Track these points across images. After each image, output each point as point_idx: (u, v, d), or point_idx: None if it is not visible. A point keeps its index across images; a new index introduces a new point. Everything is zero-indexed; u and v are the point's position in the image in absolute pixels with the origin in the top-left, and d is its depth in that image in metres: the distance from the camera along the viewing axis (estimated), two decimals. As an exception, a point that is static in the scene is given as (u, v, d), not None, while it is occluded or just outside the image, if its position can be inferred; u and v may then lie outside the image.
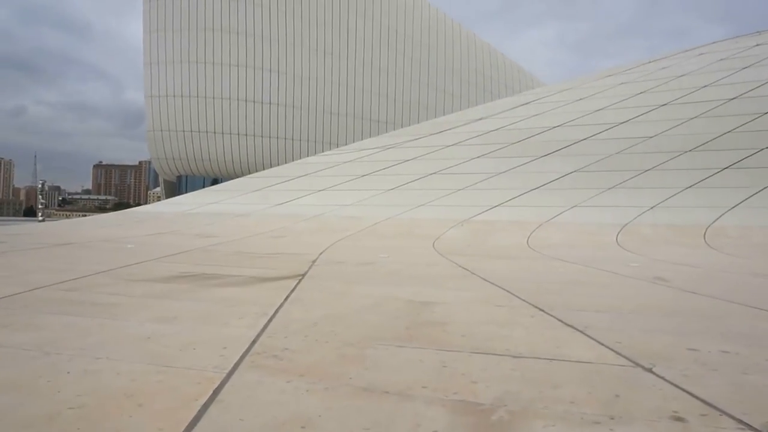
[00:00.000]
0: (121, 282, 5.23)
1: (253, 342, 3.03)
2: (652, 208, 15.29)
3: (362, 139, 29.31)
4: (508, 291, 5.36)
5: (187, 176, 40.52)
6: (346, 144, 29.14)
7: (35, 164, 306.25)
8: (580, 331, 3.49)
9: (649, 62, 23.30)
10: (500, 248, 11.64)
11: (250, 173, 25.96)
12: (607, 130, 18.47)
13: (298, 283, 5.52)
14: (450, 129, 21.23)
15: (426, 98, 47.29)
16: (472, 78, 50.90)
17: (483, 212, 16.22)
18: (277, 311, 3.97)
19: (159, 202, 23.60)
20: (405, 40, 45.91)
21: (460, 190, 17.75)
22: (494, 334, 3.39)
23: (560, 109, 20.57)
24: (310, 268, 7.02)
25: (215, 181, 35.25)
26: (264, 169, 28.07)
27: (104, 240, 10.78)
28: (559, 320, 3.87)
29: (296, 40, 40.58)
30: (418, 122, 31.67)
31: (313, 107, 41.61)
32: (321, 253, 9.28)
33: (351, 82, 43.26)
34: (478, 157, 19.13)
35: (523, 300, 4.80)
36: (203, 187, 28.66)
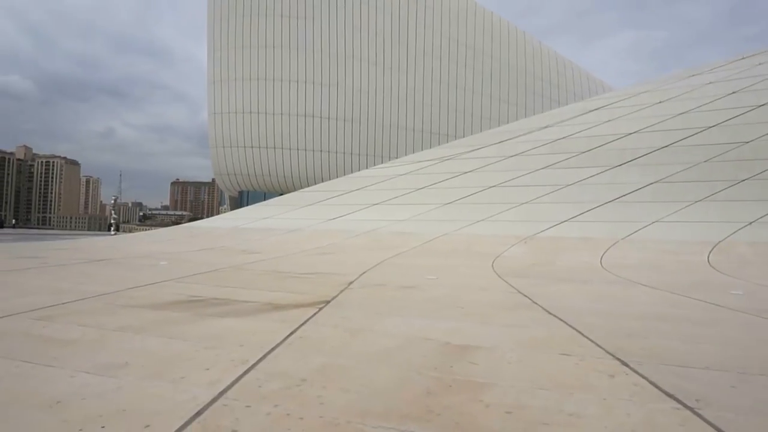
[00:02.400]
0: (109, 309, 4.51)
1: (196, 415, 2.11)
2: (750, 223, 13.22)
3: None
4: (576, 329, 4.16)
5: (248, 191, 41.15)
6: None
7: (120, 182, 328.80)
8: (693, 410, 2.30)
9: (742, 58, 20.81)
10: (568, 269, 10.22)
11: (309, 187, 25.65)
12: (692, 135, 16.44)
13: (315, 314, 4.59)
14: (512, 138, 19.84)
15: (488, 109, 45.73)
16: (537, 86, 48.77)
17: (549, 228, 14.73)
18: (263, 357, 3.04)
19: (215, 217, 23.72)
20: (466, 50, 44.71)
21: (523, 204, 16.33)
22: (555, 412, 2.27)
23: (636, 114, 18.67)
24: (341, 292, 6.09)
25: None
26: (321, 183, 27.73)
27: (142, 256, 10.40)
28: (654, 384, 2.68)
29: (355, 54, 40.44)
30: (475, 133, 30.35)
31: (372, 121, 41.20)
32: (363, 273, 8.34)
33: (410, 94, 42.53)
34: (543, 168, 17.64)
35: (598, 345, 3.61)
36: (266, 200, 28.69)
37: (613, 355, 3.33)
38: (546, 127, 19.99)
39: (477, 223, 15.76)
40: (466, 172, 18.77)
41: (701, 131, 16.53)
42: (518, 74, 47.64)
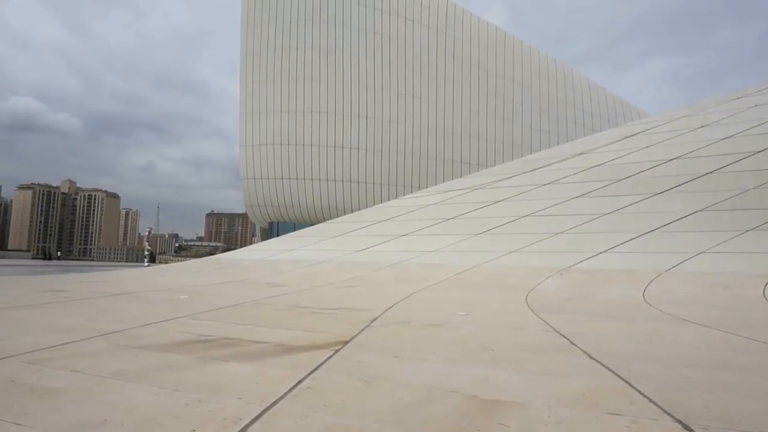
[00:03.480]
0: (111, 350, 4.21)
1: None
2: (808, 254, 12.23)
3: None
4: (624, 379, 3.63)
5: (278, 222, 41.36)
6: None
7: (158, 214, 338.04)
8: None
9: (788, 80, 19.86)
10: (609, 304, 9.53)
11: (337, 218, 25.49)
12: (739, 160, 15.55)
13: (330, 357, 4.19)
14: (545, 166, 19.26)
15: (519, 136, 45.17)
16: (570, 113, 48.03)
17: (586, 259, 14.01)
18: (261, 415, 2.65)
19: (245, 248, 23.73)
20: (495, 78, 44.55)
21: (558, 234, 15.66)
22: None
23: (676, 140, 17.88)
24: (361, 331, 5.67)
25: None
26: (350, 213, 27.56)
27: (166, 289, 10.23)
28: (730, 462, 2.16)
29: (383, 85, 40.76)
30: (507, 161, 29.82)
31: (401, 151, 41.16)
32: (388, 309, 7.90)
33: (440, 123, 42.44)
34: (578, 196, 16.97)
35: (652, 401, 3.08)
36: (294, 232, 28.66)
37: (672, 415, 2.81)
38: (580, 154, 19.37)
39: (509, 254, 15.15)
40: (497, 202, 18.25)
41: (749, 156, 15.63)
42: (549, 101, 47.10)
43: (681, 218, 14.56)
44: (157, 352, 4.19)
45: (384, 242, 17.64)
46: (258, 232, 49.49)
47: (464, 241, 16.59)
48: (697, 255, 13.13)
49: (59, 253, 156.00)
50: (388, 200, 28.66)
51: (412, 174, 41.47)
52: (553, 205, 17.00)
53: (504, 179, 19.53)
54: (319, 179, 39.40)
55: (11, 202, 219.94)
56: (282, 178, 39.37)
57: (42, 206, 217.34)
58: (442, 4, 43.72)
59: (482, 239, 16.50)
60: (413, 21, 42.35)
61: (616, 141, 19.49)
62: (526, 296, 10.57)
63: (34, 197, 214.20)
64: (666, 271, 12.58)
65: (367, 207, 30.57)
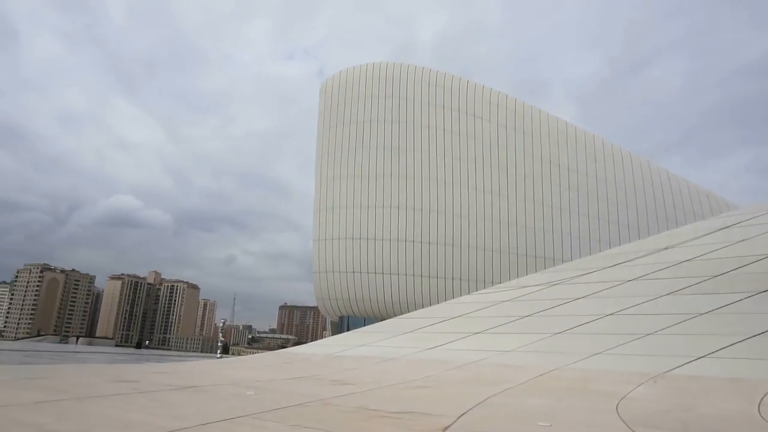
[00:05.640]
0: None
1: None
2: None
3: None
4: None
5: (348, 316, 41.29)
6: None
7: (233, 305, 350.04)
8: None
9: None
10: (716, 419, 8.32)
11: (407, 313, 25.04)
12: None
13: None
14: (627, 261, 18.17)
15: (596, 231, 43.59)
16: (650, 206, 46.09)
17: (683, 365, 12.58)
18: None
19: (312, 343, 23.59)
20: (568, 173, 44.15)
21: (647, 335, 14.33)
22: None
23: (777, 233, 16.42)
24: (433, 441, 5.21)
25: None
26: (421, 308, 27.02)
27: (233, 383, 10.16)
28: None
29: (455, 180, 41.50)
30: (584, 256, 28.53)
31: (472, 245, 40.78)
32: (461, 416, 7.31)
33: (512, 217, 42.02)
34: (667, 294, 15.68)
35: None
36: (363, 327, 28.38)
37: None
38: (666, 248, 18.17)
39: (593, 357, 13.94)
40: (576, 299, 17.21)
41: None
42: (627, 194, 45.68)
43: (793, 320, 12.93)
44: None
45: (456, 340, 16.91)
46: (328, 325, 49.53)
47: (542, 341, 15.55)
48: (819, 364, 11.44)
49: (148, 342, 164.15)
50: (460, 295, 27.96)
51: (484, 269, 40.66)
52: (640, 304, 15.75)
53: (583, 275, 18.55)
54: (390, 273, 39.50)
55: (103, 291, 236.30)
56: (352, 272, 39.89)
57: (129, 295, 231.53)
58: (510, 102, 45.07)
59: (562, 339, 15.40)
60: (482, 119, 43.73)
61: (706, 234, 18.20)
62: (617, 406, 9.49)
63: (122, 287, 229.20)
64: (782, 381, 10.97)
65: (437, 302, 29.94)
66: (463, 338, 17.02)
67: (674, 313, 14.72)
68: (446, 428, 6.10)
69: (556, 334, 15.75)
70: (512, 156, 43.32)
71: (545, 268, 29.87)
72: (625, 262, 18.32)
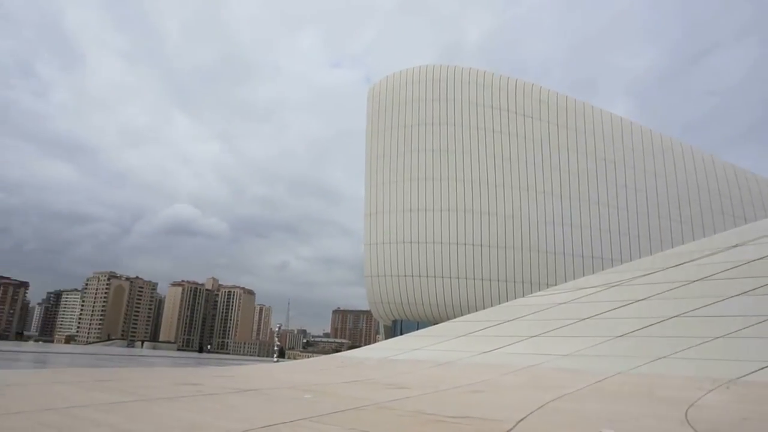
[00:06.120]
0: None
1: None
2: None
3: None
4: None
5: (401, 320, 41.33)
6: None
7: (288, 310, 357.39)
8: None
9: None
10: (800, 429, 7.77)
11: (461, 317, 24.83)
12: None
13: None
14: (692, 261, 17.29)
15: (657, 229, 41.76)
16: (715, 202, 43.70)
17: (758, 370, 11.82)
18: None
19: (366, 347, 23.76)
20: (625, 169, 42.55)
21: (717, 338, 13.57)
22: None
23: None
24: (493, 446, 5.13)
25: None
26: (475, 312, 26.70)
27: (290, 387, 10.37)
28: None
29: (505, 181, 40.84)
30: (644, 256, 27.32)
31: (526, 247, 39.96)
32: (520, 421, 7.16)
33: (566, 218, 40.89)
34: (738, 294, 14.79)
35: None
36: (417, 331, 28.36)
37: None
38: (736, 246, 17.17)
39: (658, 361, 13.33)
40: (637, 300, 16.53)
41: None
42: (689, 190, 43.52)
43: None
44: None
45: (512, 344, 16.59)
46: (381, 329, 49.77)
47: (602, 345, 15.02)
48: None
49: (209, 347, 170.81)
50: (514, 298, 27.44)
51: (538, 271, 39.75)
52: (707, 305, 14.94)
53: (643, 275, 17.80)
54: (442, 276, 39.29)
55: (164, 297, 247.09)
56: (404, 276, 39.94)
57: (189, 301, 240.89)
58: (561, 99, 43.93)
59: (623, 343, 14.82)
60: (531, 118, 42.85)
61: (780, 230, 17.07)
62: (686, 413, 9.02)
63: (183, 293, 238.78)
64: None
65: (491, 305, 29.49)
66: (519, 342, 16.69)
67: (746, 315, 13.87)
68: (505, 434, 6.00)
69: (617, 337, 15.18)
70: (564, 154, 42.19)
71: (602, 270, 28.86)
72: (688, 261, 17.44)
